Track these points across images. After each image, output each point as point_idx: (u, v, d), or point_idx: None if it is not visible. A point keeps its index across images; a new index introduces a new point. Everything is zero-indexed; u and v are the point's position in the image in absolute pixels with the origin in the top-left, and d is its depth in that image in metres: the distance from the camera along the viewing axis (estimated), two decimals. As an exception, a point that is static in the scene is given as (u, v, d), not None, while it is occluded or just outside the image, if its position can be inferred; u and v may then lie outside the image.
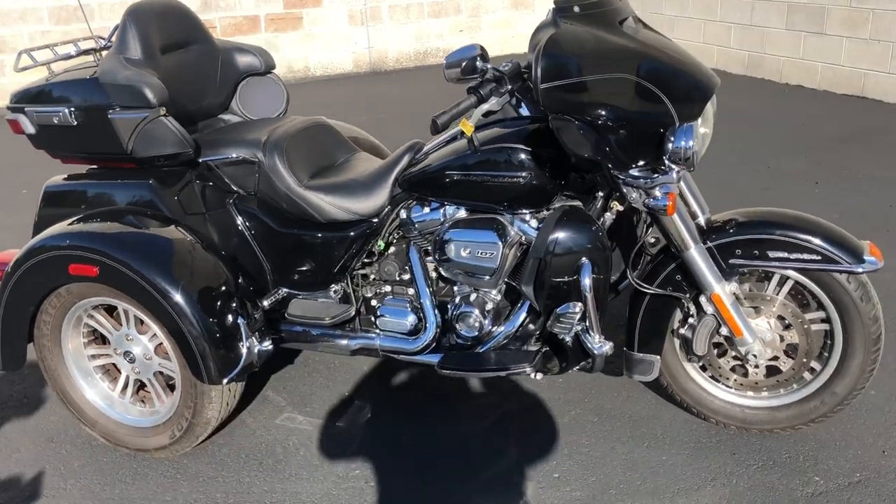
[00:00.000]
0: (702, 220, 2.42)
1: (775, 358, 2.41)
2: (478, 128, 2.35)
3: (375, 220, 2.58)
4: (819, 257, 2.20)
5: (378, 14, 8.57)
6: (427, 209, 2.51)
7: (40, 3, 7.36)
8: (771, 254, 2.24)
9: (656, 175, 2.15)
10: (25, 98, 2.65)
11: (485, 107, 2.15)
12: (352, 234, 2.60)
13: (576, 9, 2.08)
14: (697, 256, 2.27)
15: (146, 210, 2.54)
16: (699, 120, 2.17)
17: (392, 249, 2.63)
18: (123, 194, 2.60)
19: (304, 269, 2.66)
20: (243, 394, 2.74)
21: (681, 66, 2.14)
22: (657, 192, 2.19)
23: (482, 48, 2.13)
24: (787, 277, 2.33)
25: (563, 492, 2.32)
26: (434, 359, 2.52)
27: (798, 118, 5.96)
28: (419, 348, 2.54)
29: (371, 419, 2.71)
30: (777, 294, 2.36)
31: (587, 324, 2.24)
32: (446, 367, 2.47)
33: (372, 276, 2.69)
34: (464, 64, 2.10)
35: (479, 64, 2.10)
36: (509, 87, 2.21)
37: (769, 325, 2.38)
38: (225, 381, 2.33)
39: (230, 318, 2.38)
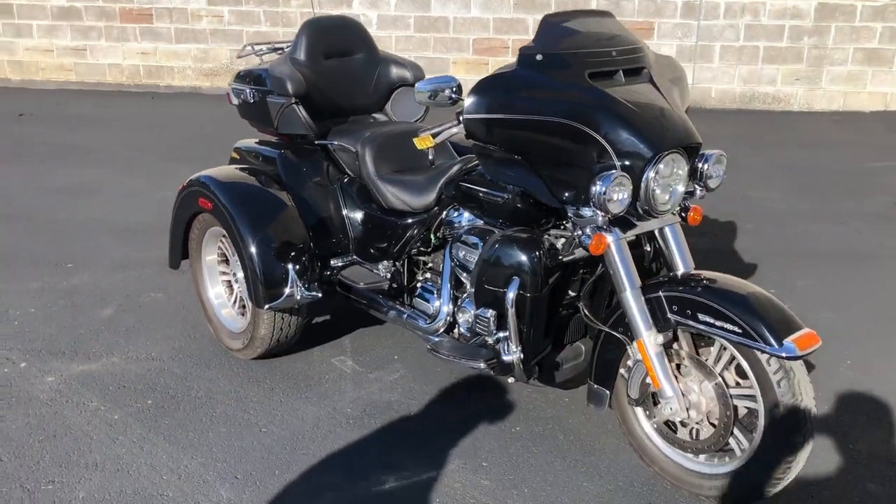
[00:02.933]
0: (679, 273, 2.51)
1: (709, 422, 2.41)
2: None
3: (425, 215, 3.06)
4: (740, 330, 2.20)
5: (709, 53, 8.56)
6: (457, 213, 2.94)
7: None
8: (700, 316, 2.28)
9: (584, 215, 2.35)
10: (235, 78, 3.61)
11: (454, 130, 2.52)
12: (408, 221, 3.11)
13: (538, 57, 2.35)
14: (631, 301, 2.38)
15: (269, 173, 3.33)
16: (650, 173, 2.30)
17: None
18: (264, 159, 3.42)
19: (372, 243, 3.24)
20: (339, 335, 3.46)
21: (636, 120, 2.27)
22: (588, 231, 2.38)
23: (458, 82, 2.49)
24: (725, 347, 2.33)
25: (479, 477, 2.61)
26: (435, 339, 2.94)
27: None
28: (430, 329, 2.98)
29: (392, 381, 3.20)
30: (715, 362, 2.37)
31: (507, 333, 2.51)
32: (432, 349, 2.88)
33: (429, 264, 3.17)
34: (445, 91, 2.48)
35: (447, 93, 2.46)
36: None
37: (698, 388, 2.38)
38: (265, 307, 3.02)
39: (285, 265, 3.04)
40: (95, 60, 9.61)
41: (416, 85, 2.52)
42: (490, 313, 2.55)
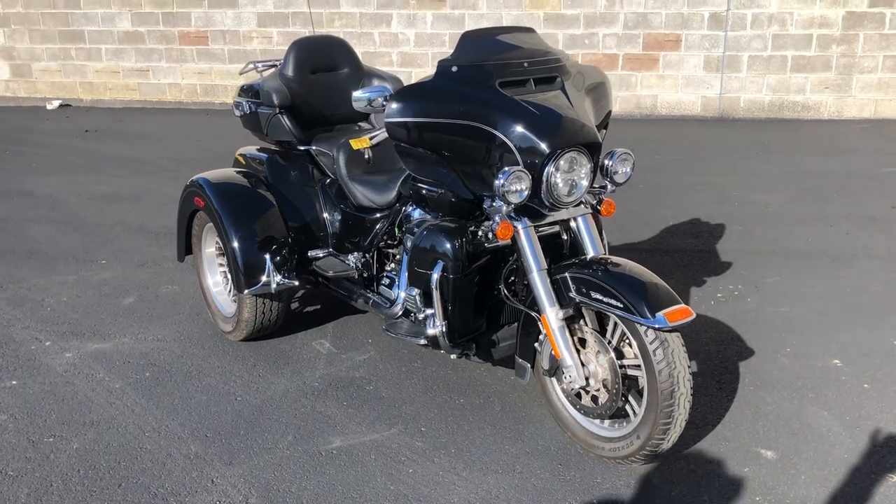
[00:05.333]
0: (588, 257, 2.81)
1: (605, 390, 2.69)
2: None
3: (388, 211, 3.42)
4: (622, 305, 2.49)
5: (736, 62, 8.69)
6: (413, 209, 3.29)
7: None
8: (593, 294, 2.58)
9: (496, 205, 2.68)
10: (238, 92, 4.05)
11: (385, 134, 2.88)
12: (375, 217, 3.48)
13: (453, 69, 2.70)
14: (537, 281, 2.69)
15: (260, 175, 3.75)
16: (550, 168, 2.61)
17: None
18: (258, 162, 3.85)
19: (347, 237, 3.62)
20: (324, 321, 3.86)
21: (535, 122, 2.59)
22: (497, 219, 2.70)
23: (391, 91, 2.84)
24: (617, 322, 2.62)
25: (415, 440, 2.95)
26: (391, 321, 3.30)
27: None
28: (390, 313, 3.32)
29: (361, 361, 3.57)
30: (612, 336, 2.65)
31: (433, 310, 2.84)
32: (386, 329, 3.23)
33: (396, 255, 3.53)
34: (378, 99, 2.84)
35: (379, 101, 2.83)
36: None
37: (595, 359, 2.67)
38: (245, 292, 3.43)
39: (262, 255, 3.45)
40: (157, 80, 10.36)
41: (353, 94, 2.89)
42: (416, 292, 2.90)
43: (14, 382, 3.42)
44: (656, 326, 2.43)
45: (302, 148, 3.73)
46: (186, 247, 3.97)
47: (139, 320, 4.04)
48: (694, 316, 2.47)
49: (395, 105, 2.75)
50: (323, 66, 3.92)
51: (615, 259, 2.73)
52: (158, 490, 2.69)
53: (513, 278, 2.99)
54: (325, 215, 3.70)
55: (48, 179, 6.88)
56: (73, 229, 5.53)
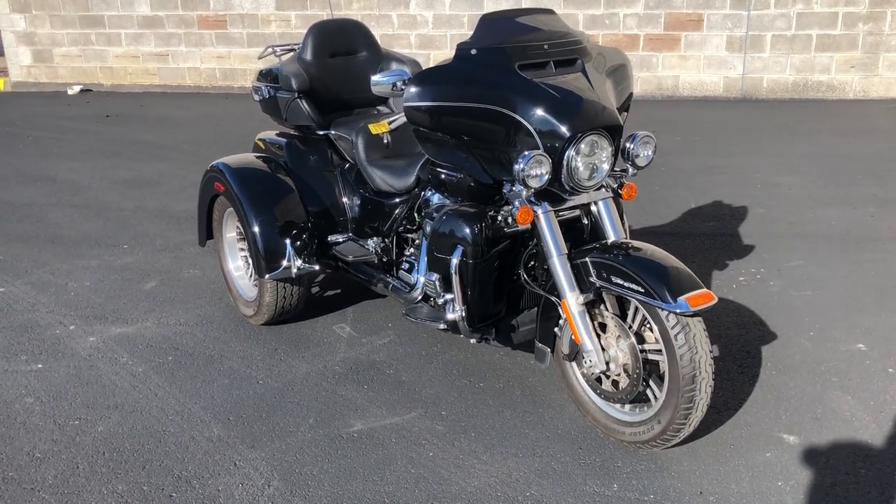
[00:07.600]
0: (609, 241, 2.79)
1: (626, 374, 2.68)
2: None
3: (407, 196, 3.42)
4: (643, 290, 2.47)
5: (760, 42, 8.58)
6: (432, 193, 3.28)
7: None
8: (613, 279, 2.56)
9: (514, 189, 2.66)
10: (256, 77, 4.05)
11: (404, 118, 2.87)
12: (394, 202, 3.48)
13: (472, 52, 2.67)
14: (557, 265, 2.68)
15: (279, 160, 3.76)
16: (570, 152, 2.59)
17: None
18: (276, 147, 3.86)
19: (366, 222, 3.62)
20: (344, 306, 3.86)
21: (556, 105, 2.57)
22: (517, 203, 2.69)
23: (409, 76, 2.83)
24: (638, 307, 2.60)
25: (435, 423, 2.96)
26: (411, 306, 3.30)
27: None
28: (410, 298, 3.33)
29: (381, 345, 3.58)
30: (633, 320, 2.64)
31: (453, 295, 2.84)
32: (406, 314, 3.23)
33: (416, 240, 3.53)
34: (397, 83, 2.83)
35: (399, 84, 2.82)
36: None
37: (616, 343, 2.66)
38: (265, 276, 3.44)
39: (283, 240, 3.46)
40: (176, 65, 10.39)
41: (371, 78, 2.88)
42: (436, 277, 2.90)
43: (39, 366, 3.47)
44: (678, 311, 2.41)
45: (321, 132, 3.72)
46: (207, 231, 3.99)
47: (161, 304, 4.07)
48: (716, 300, 2.45)
49: (413, 89, 2.73)
50: (341, 50, 3.91)
51: (636, 243, 2.71)
52: (182, 472, 2.72)
53: (533, 263, 2.99)
54: (345, 200, 3.70)
55: (70, 164, 6.94)
56: (94, 214, 5.58)
